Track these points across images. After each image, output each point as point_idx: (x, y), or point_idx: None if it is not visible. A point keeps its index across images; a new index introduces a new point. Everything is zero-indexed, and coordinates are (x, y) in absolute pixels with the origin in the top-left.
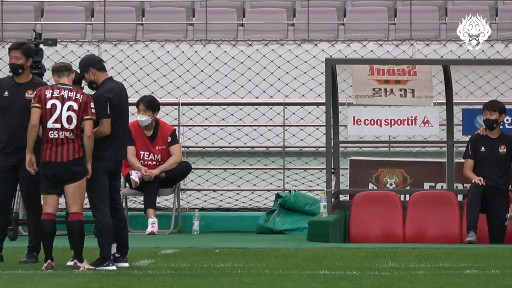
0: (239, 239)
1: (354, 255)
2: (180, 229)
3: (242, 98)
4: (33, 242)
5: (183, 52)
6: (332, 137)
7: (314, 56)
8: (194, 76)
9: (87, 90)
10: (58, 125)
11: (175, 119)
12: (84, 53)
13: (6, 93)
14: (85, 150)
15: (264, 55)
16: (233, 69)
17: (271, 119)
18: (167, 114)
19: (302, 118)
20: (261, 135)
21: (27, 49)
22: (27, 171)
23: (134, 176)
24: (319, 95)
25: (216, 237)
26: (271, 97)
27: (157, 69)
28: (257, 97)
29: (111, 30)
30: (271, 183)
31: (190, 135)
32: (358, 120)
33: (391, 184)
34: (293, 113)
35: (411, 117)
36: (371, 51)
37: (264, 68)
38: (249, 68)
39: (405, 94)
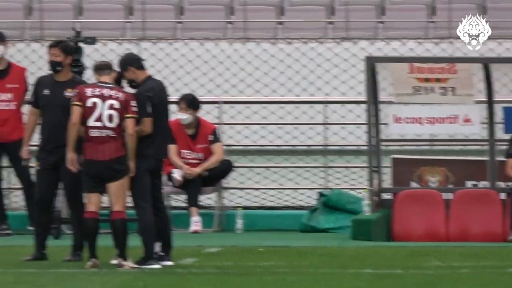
0: (283, 238)
1: (398, 254)
2: (223, 228)
3: (282, 96)
4: (76, 241)
5: (222, 50)
6: (373, 135)
7: (354, 55)
8: (235, 75)
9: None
10: (99, 124)
11: (217, 118)
12: (123, 51)
13: (46, 91)
14: (128, 148)
15: (303, 53)
16: (273, 68)
17: (312, 118)
18: (208, 113)
19: (343, 117)
20: (302, 133)
21: (65, 46)
22: (68, 170)
23: (177, 174)
24: (359, 93)
25: (259, 236)
26: (312, 95)
27: (197, 68)
28: (297, 96)
29: (150, 28)
30: (313, 182)
31: (232, 134)
32: (399, 119)
33: (433, 183)
34: (334, 112)
35: (452, 115)
36: (411, 49)
37: (304, 66)
38: (289, 67)
39: (445, 92)
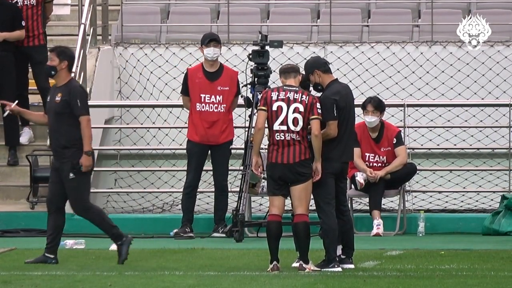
0: (464, 241)
1: None
2: (405, 231)
3: (467, 99)
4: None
5: (408, 53)
6: None
7: None
8: (420, 78)
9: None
10: (284, 127)
11: (400, 121)
12: (309, 55)
13: (49, 97)
14: (314, 149)
15: (489, 57)
16: (459, 71)
17: (496, 121)
18: (392, 116)
19: None
20: (487, 136)
21: (61, 52)
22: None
23: (359, 177)
24: None
25: (441, 239)
26: (497, 98)
27: (382, 71)
28: (482, 98)
29: (336, 31)
30: (496, 185)
31: (416, 137)
32: None
33: None
34: None
35: None
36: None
37: (490, 69)
38: (475, 70)
39: None
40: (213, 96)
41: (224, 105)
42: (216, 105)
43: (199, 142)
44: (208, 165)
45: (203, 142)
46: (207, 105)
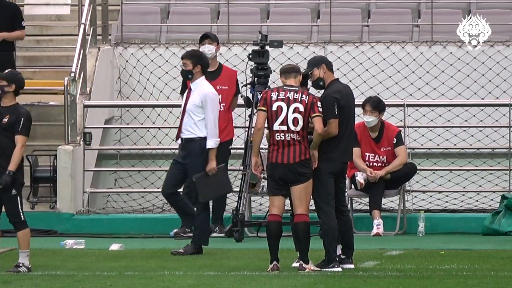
0: (465, 241)
1: None
2: (405, 231)
3: (467, 99)
4: None
5: (408, 53)
6: None
7: None
8: (420, 78)
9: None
10: (284, 127)
11: (400, 121)
12: (309, 55)
13: None
14: (313, 141)
15: (489, 57)
16: (459, 71)
17: (496, 120)
18: (392, 116)
19: None
20: (487, 136)
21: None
22: None
23: (359, 177)
24: None
25: (441, 239)
26: (497, 98)
27: (382, 71)
28: (482, 98)
29: (336, 31)
30: (496, 185)
31: (416, 137)
32: None
33: None
34: None
35: None
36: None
37: (490, 69)
38: (475, 70)
39: None
40: None
41: (223, 104)
42: None
43: None
44: None
45: None
46: None
